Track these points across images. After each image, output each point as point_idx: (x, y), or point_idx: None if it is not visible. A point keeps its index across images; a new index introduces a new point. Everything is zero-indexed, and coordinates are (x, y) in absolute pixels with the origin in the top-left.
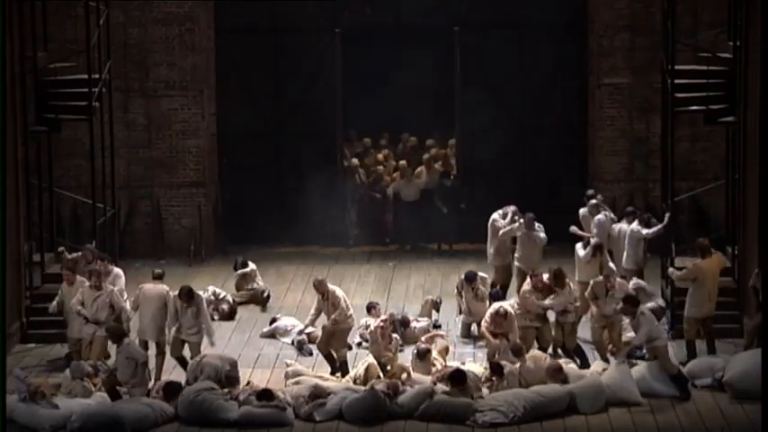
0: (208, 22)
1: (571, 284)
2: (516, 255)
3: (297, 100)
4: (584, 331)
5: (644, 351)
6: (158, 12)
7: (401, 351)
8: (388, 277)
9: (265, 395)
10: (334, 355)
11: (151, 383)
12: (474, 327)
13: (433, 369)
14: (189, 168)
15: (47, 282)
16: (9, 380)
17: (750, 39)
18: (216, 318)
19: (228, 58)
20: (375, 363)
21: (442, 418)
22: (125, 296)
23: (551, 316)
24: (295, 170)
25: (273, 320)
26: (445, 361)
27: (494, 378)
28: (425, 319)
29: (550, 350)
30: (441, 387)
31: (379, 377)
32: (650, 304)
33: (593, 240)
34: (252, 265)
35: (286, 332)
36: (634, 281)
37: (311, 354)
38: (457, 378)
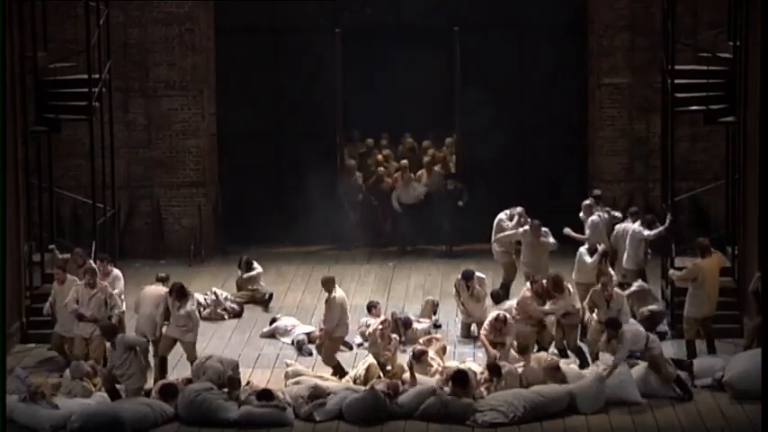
0: (208, 22)
1: (570, 288)
2: (523, 259)
3: (297, 100)
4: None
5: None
6: (158, 12)
7: (403, 351)
8: (388, 277)
9: (265, 395)
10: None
11: (150, 383)
12: (474, 327)
13: (431, 369)
14: (189, 168)
15: (47, 282)
16: (9, 380)
17: (750, 39)
18: (226, 317)
19: (228, 58)
20: (375, 363)
21: (442, 418)
22: (123, 297)
23: (550, 317)
24: (295, 170)
25: (273, 320)
26: (443, 361)
27: (493, 379)
28: (426, 319)
29: (553, 349)
30: (446, 389)
31: (379, 377)
32: (653, 306)
33: (600, 247)
34: (258, 268)
35: (286, 332)
36: (639, 283)
37: (311, 354)
38: (459, 379)
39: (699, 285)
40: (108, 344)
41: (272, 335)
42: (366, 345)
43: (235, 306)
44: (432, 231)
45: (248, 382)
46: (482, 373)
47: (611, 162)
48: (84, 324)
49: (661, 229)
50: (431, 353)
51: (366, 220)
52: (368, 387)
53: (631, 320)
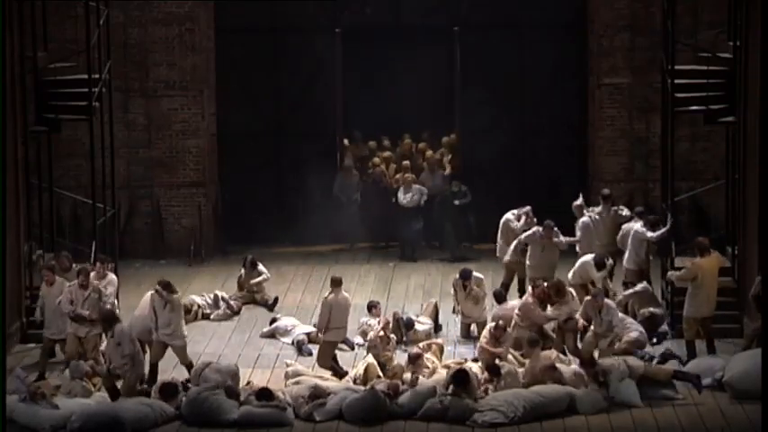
0: (208, 22)
1: (573, 293)
2: (530, 262)
3: (297, 100)
4: None
5: (645, 351)
6: (158, 12)
7: (404, 351)
8: (388, 277)
9: (265, 395)
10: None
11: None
12: (474, 327)
13: (427, 371)
14: (189, 168)
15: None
16: (9, 380)
17: (750, 39)
18: (225, 319)
19: (228, 58)
20: (374, 363)
21: (443, 418)
22: (113, 302)
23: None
24: (295, 170)
25: (273, 320)
26: (441, 360)
27: (493, 379)
28: (428, 321)
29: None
30: (447, 391)
31: (378, 377)
32: (653, 309)
33: (608, 262)
34: (266, 274)
35: (286, 332)
36: (644, 284)
37: (311, 354)
38: (460, 379)
39: (698, 285)
40: (105, 337)
41: (272, 335)
42: (366, 344)
43: (233, 304)
44: (436, 234)
45: (248, 382)
46: (483, 373)
47: (611, 162)
48: (73, 324)
49: (663, 230)
50: (428, 354)
51: (366, 214)
52: (368, 387)
53: (629, 320)
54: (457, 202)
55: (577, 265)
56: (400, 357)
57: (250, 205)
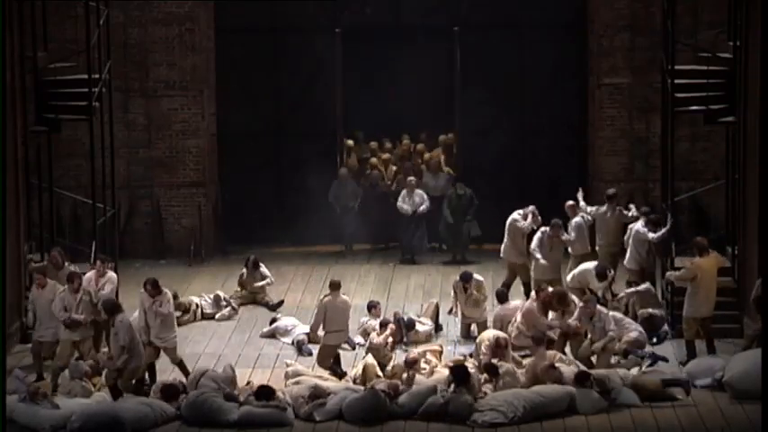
0: (208, 22)
1: (575, 301)
2: (535, 263)
3: (297, 100)
4: None
5: (645, 350)
6: (158, 12)
7: (405, 351)
8: (388, 277)
9: (264, 393)
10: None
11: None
12: (474, 327)
13: (425, 371)
14: (189, 168)
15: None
16: (9, 380)
17: (750, 39)
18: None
19: (228, 58)
20: (373, 363)
21: (443, 416)
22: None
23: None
24: (295, 170)
25: (273, 320)
26: (440, 360)
27: (491, 379)
28: (429, 322)
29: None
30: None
31: (377, 377)
32: (653, 310)
33: (610, 273)
34: (269, 278)
35: (286, 332)
36: (647, 285)
37: (311, 354)
38: (461, 375)
39: (697, 285)
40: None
41: (272, 335)
42: (366, 345)
43: (233, 303)
44: (437, 236)
45: (248, 383)
46: (482, 373)
47: (611, 162)
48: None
49: (664, 231)
50: (428, 355)
51: (365, 219)
52: (368, 387)
53: (628, 320)
54: (469, 218)
55: (578, 270)
56: (399, 357)
57: (250, 205)
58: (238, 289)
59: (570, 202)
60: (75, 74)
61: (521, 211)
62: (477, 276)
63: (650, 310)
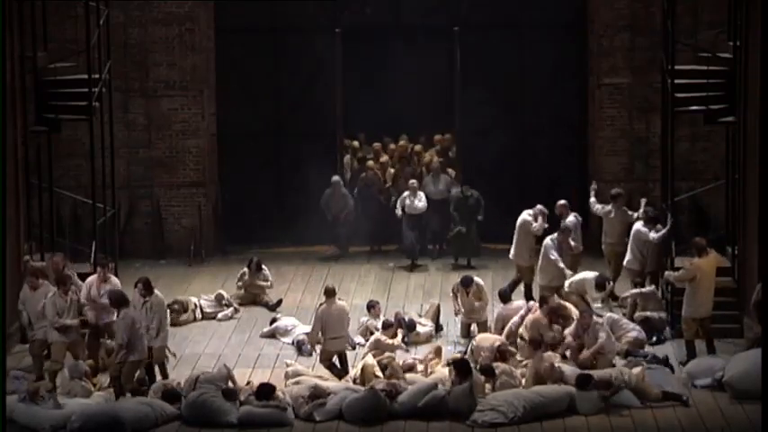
0: (208, 22)
1: (575, 313)
2: (541, 266)
3: (297, 100)
4: None
5: (645, 350)
6: (158, 12)
7: (406, 351)
8: (388, 277)
9: (265, 392)
10: (335, 364)
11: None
12: (474, 327)
13: (420, 368)
14: (189, 168)
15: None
16: (9, 380)
17: (750, 39)
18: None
19: (228, 58)
20: (372, 363)
21: (443, 409)
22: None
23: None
24: (295, 170)
25: (273, 320)
26: (440, 359)
27: (489, 380)
28: (429, 323)
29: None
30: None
31: (376, 377)
32: (650, 313)
33: (609, 285)
34: (269, 280)
35: (286, 332)
36: (651, 288)
37: (311, 354)
38: (462, 367)
39: (696, 285)
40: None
41: (272, 335)
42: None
43: (234, 305)
44: (444, 240)
45: (248, 382)
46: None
47: (611, 162)
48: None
49: (664, 231)
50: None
51: (362, 222)
52: (368, 387)
53: (624, 321)
54: (480, 218)
55: (576, 278)
56: (399, 357)
57: (250, 205)
58: (240, 284)
59: (562, 202)
60: (75, 74)
61: (531, 212)
62: (477, 280)
63: (648, 313)
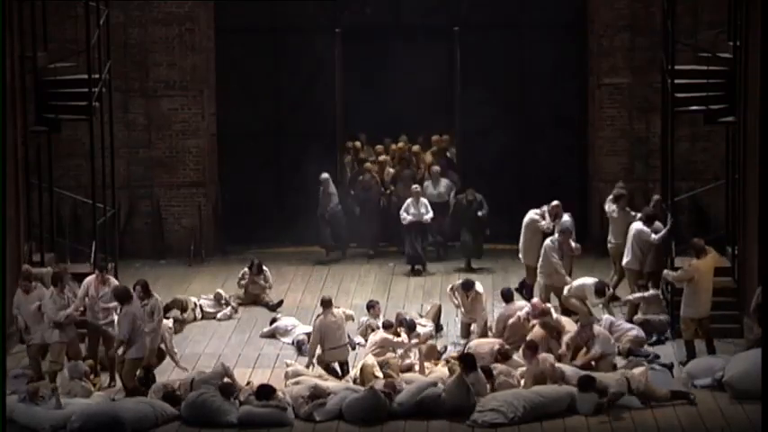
0: (208, 22)
1: (567, 324)
2: (543, 269)
3: (297, 100)
4: None
5: (647, 351)
6: (158, 12)
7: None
8: (388, 277)
9: (264, 392)
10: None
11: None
12: (474, 327)
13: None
14: (189, 168)
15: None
16: (9, 380)
17: (750, 39)
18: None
19: (228, 58)
20: (371, 363)
21: (442, 408)
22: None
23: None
24: (295, 170)
25: (273, 320)
26: (437, 359)
27: (487, 380)
28: (430, 323)
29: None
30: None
31: (375, 377)
32: (650, 316)
33: (608, 291)
34: (270, 281)
35: (286, 332)
36: (656, 291)
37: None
38: (468, 362)
39: (694, 285)
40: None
41: (272, 335)
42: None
43: (233, 304)
44: (444, 245)
45: (248, 382)
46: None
47: (611, 162)
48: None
49: (664, 232)
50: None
51: (361, 226)
52: (367, 387)
53: (621, 321)
54: (480, 214)
55: (576, 284)
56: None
57: (250, 205)
58: (243, 282)
59: (555, 203)
60: (75, 74)
61: (537, 211)
62: (478, 287)
63: (648, 316)
